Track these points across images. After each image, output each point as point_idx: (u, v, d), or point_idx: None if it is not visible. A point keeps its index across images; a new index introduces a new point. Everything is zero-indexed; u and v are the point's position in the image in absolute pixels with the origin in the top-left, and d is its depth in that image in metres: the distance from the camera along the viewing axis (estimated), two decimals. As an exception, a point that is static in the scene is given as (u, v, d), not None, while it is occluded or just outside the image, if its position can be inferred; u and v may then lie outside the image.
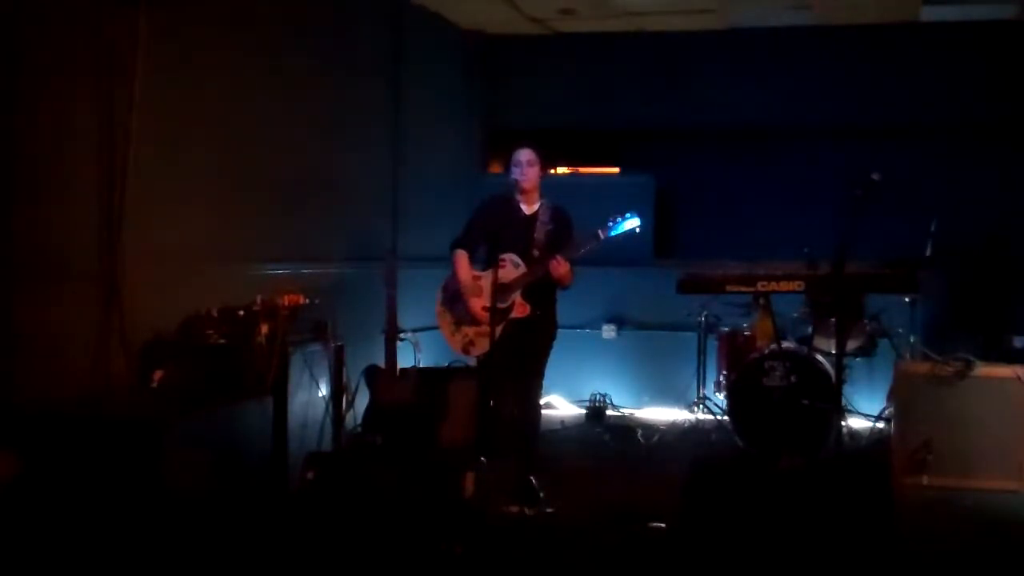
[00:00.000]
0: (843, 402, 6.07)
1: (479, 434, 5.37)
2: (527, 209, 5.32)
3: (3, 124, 4.15)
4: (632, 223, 5.20)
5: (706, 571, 4.06)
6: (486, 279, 5.17)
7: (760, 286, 5.51)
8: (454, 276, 5.38)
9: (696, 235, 8.45)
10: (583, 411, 7.68)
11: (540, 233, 5.24)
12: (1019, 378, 5.65)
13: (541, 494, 5.18)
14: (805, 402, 6.06)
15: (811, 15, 7.87)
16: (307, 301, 5.15)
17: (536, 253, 5.21)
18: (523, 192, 5.27)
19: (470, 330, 5.31)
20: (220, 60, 5.36)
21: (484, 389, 5.30)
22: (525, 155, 5.24)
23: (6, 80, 4.15)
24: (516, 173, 5.23)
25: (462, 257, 5.36)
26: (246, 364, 4.69)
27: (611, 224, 5.18)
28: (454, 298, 5.36)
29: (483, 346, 5.13)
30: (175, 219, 4.98)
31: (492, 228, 5.31)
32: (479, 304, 5.22)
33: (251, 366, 4.70)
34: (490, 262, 5.22)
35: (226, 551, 4.14)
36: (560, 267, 5.09)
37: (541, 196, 5.36)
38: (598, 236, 5.15)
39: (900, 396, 5.89)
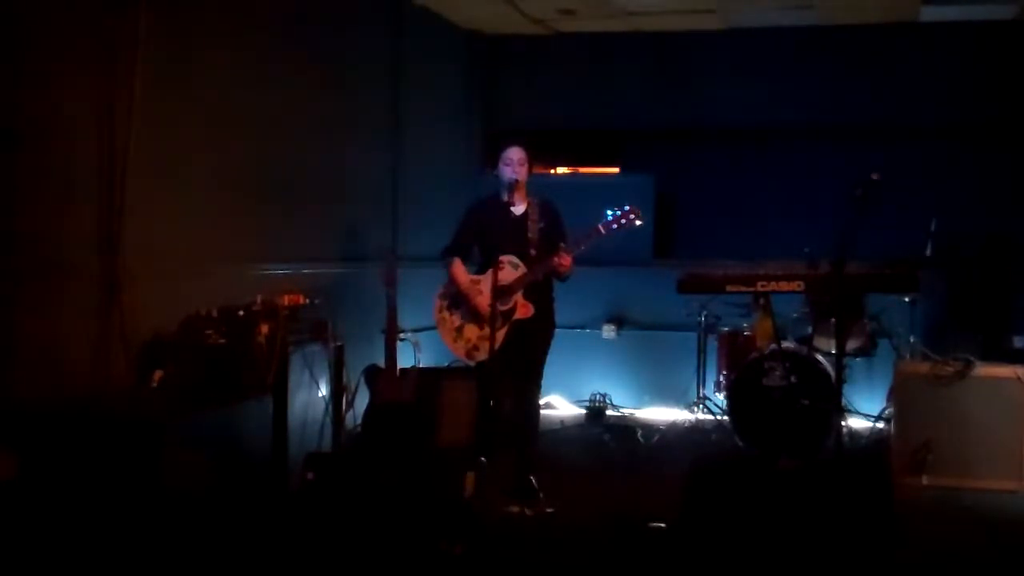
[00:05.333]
0: (843, 402, 6.06)
1: (479, 434, 5.38)
2: (517, 209, 5.31)
3: (4, 124, 4.15)
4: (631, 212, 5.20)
5: (706, 571, 4.06)
6: (485, 282, 5.17)
7: (760, 286, 5.51)
8: (452, 282, 5.37)
9: (696, 235, 8.45)
10: (583, 411, 7.68)
11: (533, 232, 5.24)
12: (1019, 378, 5.65)
13: (541, 494, 5.18)
14: (805, 402, 6.05)
15: (811, 15, 7.87)
16: (307, 301, 5.15)
17: (533, 252, 5.20)
18: (516, 191, 5.27)
19: (473, 335, 5.30)
20: (220, 60, 5.36)
21: (484, 389, 5.31)
22: (517, 153, 5.24)
23: (6, 80, 4.15)
24: (509, 172, 5.22)
25: (457, 263, 5.36)
26: (246, 364, 4.69)
27: (610, 217, 5.17)
28: (456, 302, 5.35)
29: (487, 350, 5.09)
30: (175, 219, 4.98)
31: (484, 231, 5.32)
32: (486, 301, 5.15)
33: (251, 366, 4.70)
34: (487, 265, 5.22)
35: (226, 551, 4.14)
36: (566, 260, 5.09)
37: (528, 194, 5.36)
38: (599, 231, 5.15)
39: (900, 396, 5.89)
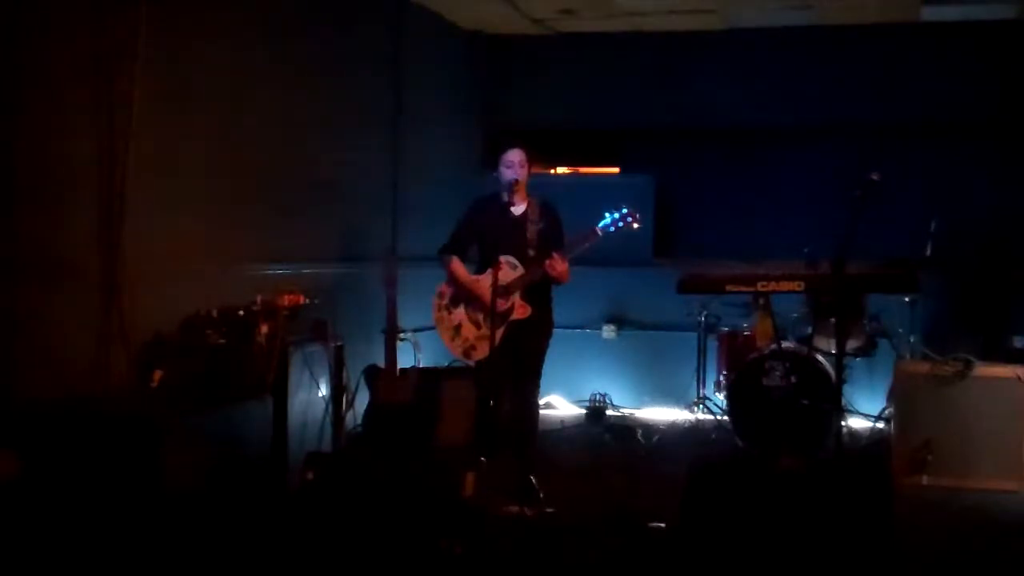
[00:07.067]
0: (843, 402, 6.07)
1: (479, 434, 5.38)
2: (517, 209, 5.31)
3: (4, 124, 4.15)
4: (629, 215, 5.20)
5: (706, 571, 4.05)
6: (484, 281, 5.16)
7: (760, 286, 5.49)
8: (453, 280, 5.36)
9: (696, 235, 8.45)
10: (583, 411, 7.68)
11: (532, 233, 5.24)
12: (1019, 378, 5.66)
13: (541, 494, 5.18)
14: (805, 402, 6.05)
15: (811, 15, 7.87)
16: (307, 301, 5.15)
17: (531, 253, 5.20)
18: (516, 192, 5.26)
19: (470, 334, 5.30)
20: (220, 60, 5.36)
21: (484, 389, 5.31)
22: (517, 155, 5.25)
23: (6, 80, 4.15)
24: (510, 174, 5.23)
25: (456, 262, 5.36)
26: (246, 364, 4.69)
27: (608, 220, 5.17)
28: (456, 299, 5.35)
29: (484, 350, 5.10)
30: (175, 219, 4.97)
31: (483, 231, 5.32)
32: (489, 293, 5.16)
33: (251, 366, 4.70)
34: (486, 265, 5.22)
35: (226, 551, 4.14)
36: (558, 265, 5.09)
37: (528, 195, 5.36)
38: (596, 233, 5.15)
39: (900, 396, 5.90)
